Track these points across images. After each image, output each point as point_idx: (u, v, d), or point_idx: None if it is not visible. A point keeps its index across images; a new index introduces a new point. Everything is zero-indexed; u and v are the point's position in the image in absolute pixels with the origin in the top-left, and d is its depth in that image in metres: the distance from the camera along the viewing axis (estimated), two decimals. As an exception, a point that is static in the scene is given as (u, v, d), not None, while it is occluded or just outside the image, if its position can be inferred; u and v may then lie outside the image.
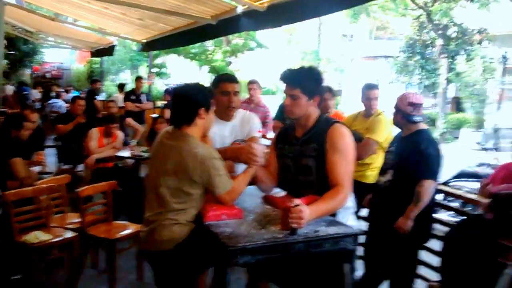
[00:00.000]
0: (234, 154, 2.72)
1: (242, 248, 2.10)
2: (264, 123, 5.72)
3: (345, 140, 2.50)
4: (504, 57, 14.48)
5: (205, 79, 23.34)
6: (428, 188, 3.06)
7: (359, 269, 3.19)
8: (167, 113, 8.24)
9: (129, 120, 7.72)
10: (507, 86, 15.79)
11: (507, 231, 2.69)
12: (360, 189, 3.42)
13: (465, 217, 3.29)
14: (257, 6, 4.40)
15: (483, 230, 2.82)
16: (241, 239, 2.14)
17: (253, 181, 2.64)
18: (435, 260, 3.26)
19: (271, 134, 5.47)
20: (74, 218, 4.04)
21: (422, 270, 3.44)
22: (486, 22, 16.42)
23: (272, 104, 6.87)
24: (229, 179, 2.45)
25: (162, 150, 2.49)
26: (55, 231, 3.72)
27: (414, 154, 3.10)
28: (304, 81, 2.52)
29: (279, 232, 2.23)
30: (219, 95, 3.06)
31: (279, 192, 2.73)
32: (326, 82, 2.76)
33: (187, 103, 2.48)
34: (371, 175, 4.02)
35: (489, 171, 5.67)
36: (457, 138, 16.36)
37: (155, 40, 8.29)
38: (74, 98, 6.75)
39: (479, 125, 15.95)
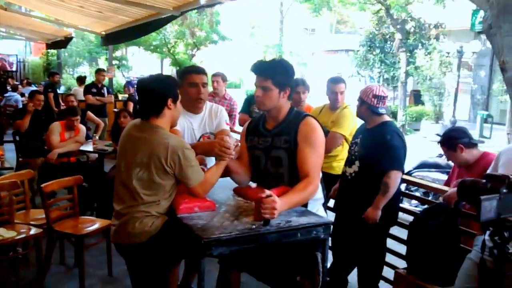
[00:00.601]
0: (206, 148, 2.72)
1: (217, 240, 2.10)
2: (230, 116, 5.72)
3: (316, 133, 2.54)
4: (459, 52, 14.96)
5: (167, 71, 23.06)
6: (395, 178, 3.15)
7: (328, 258, 3.25)
8: (131, 106, 8.15)
9: (90, 114, 7.55)
10: (462, 79, 16.36)
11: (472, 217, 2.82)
12: (328, 180, 3.49)
13: (428, 206, 3.41)
14: (221, -4, 4.40)
15: (446, 217, 2.94)
16: (215, 231, 2.15)
17: (226, 173, 2.65)
18: (402, 248, 3.37)
19: (238, 127, 5.48)
20: (38, 214, 3.94)
21: (389, 258, 3.54)
22: (442, 17, 16.92)
23: (236, 97, 6.87)
24: (201, 170, 2.46)
25: (131, 142, 2.46)
26: (19, 227, 3.61)
27: (381, 146, 3.17)
28: (276, 73, 2.53)
29: (252, 223, 2.25)
30: (187, 87, 3.02)
31: (250, 184, 2.76)
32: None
33: (154, 94, 2.46)
34: (337, 166, 4.10)
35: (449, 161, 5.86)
36: (416, 130, 16.83)
37: (115, 32, 8.11)
38: (33, 93, 6.52)
39: (438, 117, 16.44)
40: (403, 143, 3.26)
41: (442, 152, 6.35)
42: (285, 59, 2.73)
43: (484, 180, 1.67)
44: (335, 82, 4.17)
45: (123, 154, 2.49)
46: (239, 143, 2.75)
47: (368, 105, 3.31)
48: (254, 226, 2.22)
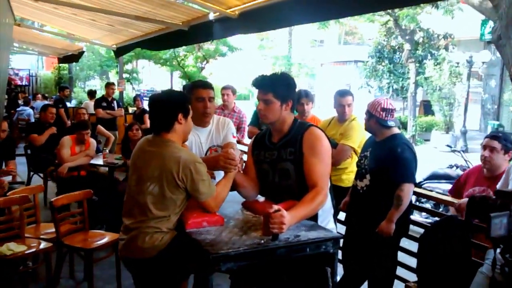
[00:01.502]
0: (211, 163, 2.73)
1: (225, 255, 2.10)
2: (239, 128, 5.74)
3: (321, 143, 2.54)
4: (469, 62, 14.88)
5: (177, 84, 23.18)
6: (408, 191, 3.14)
7: (338, 272, 3.23)
8: (147, 118, 8.20)
9: (100, 128, 7.61)
10: (473, 89, 16.25)
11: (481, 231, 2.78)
12: (337, 193, 3.47)
13: (439, 218, 3.38)
14: (229, 14, 4.43)
15: (457, 230, 2.90)
16: (224, 246, 2.15)
17: (233, 187, 2.65)
18: (412, 261, 3.33)
19: (247, 140, 5.49)
20: (48, 228, 3.96)
21: (399, 271, 3.50)
22: (451, 27, 16.87)
23: (245, 108, 6.89)
24: (213, 185, 2.46)
25: (143, 157, 2.48)
26: (29, 242, 3.63)
27: (391, 159, 3.16)
28: (277, 86, 2.55)
29: (261, 238, 2.24)
30: (194, 101, 3.05)
31: (259, 198, 2.75)
32: (299, 87, 2.80)
33: (164, 109, 2.49)
34: (347, 179, 4.09)
35: (459, 172, 5.82)
36: (426, 140, 16.72)
37: (126, 45, 8.24)
38: (45, 106, 6.62)
39: (448, 127, 16.34)
40: (413, 155, 3.24)
41: (453, 163, 6.37)
42: (286, 73, 2.75)
43: (494, 197, 1.65)
44: (342, 95, 4.18)
45: (135, 169, 2.51)
46: (244, 155, 2.74)
47: (376, 118, 3.30)
48: (262, 241, 2.21)
